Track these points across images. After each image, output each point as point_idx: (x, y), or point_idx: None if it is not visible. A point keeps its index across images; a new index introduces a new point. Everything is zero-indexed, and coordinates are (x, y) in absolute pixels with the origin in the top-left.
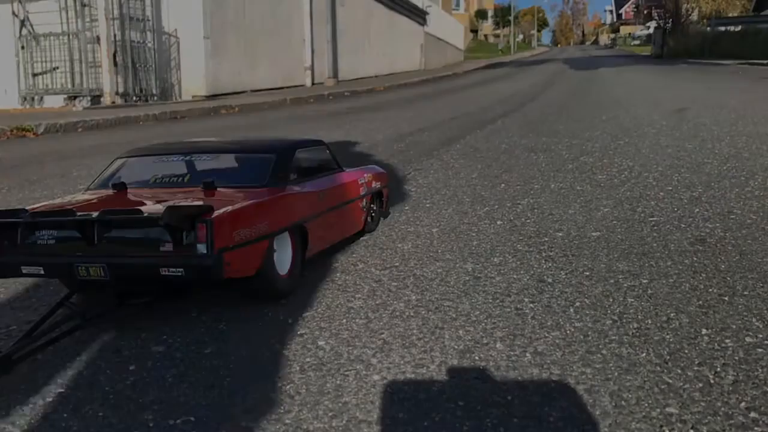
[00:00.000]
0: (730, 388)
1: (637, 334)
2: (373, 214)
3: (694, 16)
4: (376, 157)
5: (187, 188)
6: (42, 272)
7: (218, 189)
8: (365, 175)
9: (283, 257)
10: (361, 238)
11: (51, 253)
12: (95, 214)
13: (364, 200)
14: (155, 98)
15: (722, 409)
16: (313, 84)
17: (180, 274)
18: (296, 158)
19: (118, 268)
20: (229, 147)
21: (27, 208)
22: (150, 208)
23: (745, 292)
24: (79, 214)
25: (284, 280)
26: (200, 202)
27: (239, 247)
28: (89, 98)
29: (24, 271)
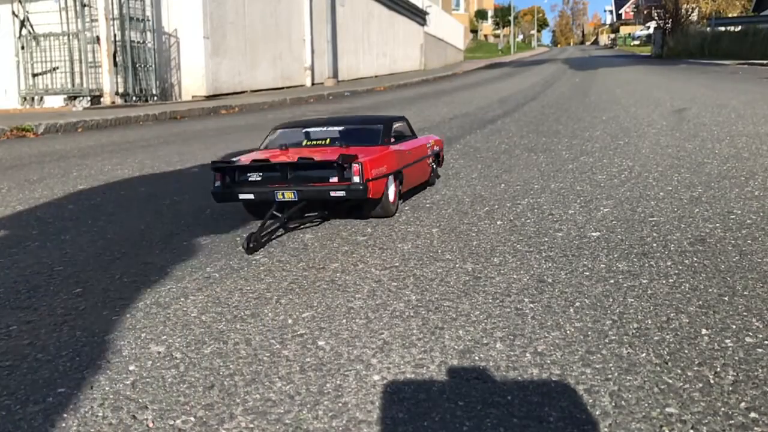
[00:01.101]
0: (730, 388)
1: (637, 334)
2: (434, 168)
3: (694, 16)
4: None
5: (330, 147)
6: (252, 197)
7: (350, 147)
8: (430, 140)
9: (391, 190)
10: (361, 238)
11: (258, 185)
12: (289, 160)
13: (430, 158)
14: (155, 98)
15: (722, 409)
16: (313, 84)
17: (342, 194)
18: (393, 128)
19: (303, 193)
20: (351, 120)
21: (239, 158)
22: (319, 156)
23: (745, 292)
24: (274, 162)
25: (392, 204)
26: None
27: (374, 180)
28: (89, 98)
29: (240, 197)
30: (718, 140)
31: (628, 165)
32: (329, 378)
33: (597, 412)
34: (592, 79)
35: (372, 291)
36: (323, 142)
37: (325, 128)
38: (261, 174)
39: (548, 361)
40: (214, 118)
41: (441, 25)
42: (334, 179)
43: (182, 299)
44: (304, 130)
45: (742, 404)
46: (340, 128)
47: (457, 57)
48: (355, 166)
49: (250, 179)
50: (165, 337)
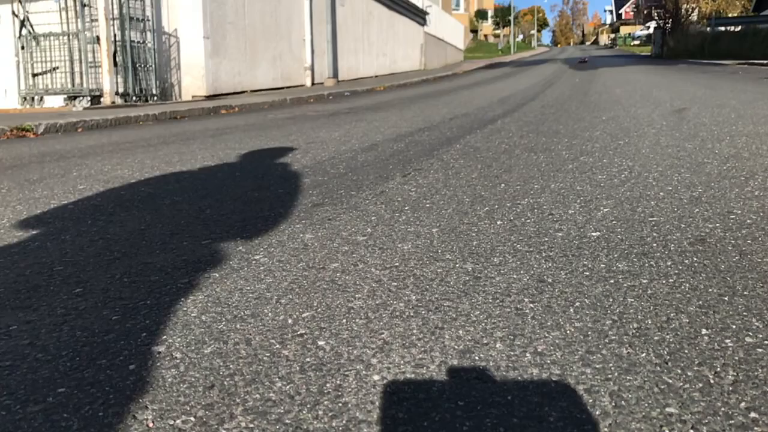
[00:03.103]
0: (730, 388)
1: (637, 334)
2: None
3: (694, 16)
4: (376, 157)
5: (581, 57)
6: (578, 63)
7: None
8: (586, 59)
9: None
10: (361, 238)
11: (579, 63)
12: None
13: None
14: (155, 98)
15: (722, 409)
16: (313, 84)
17: (585, 60)
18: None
19: (584, 62)
20: (582, 58)
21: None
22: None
23: (745, 292)
24: (581, 60)
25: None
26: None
27: (588, 61)
28: (89, 98)
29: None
30: (718, 140)
31: (628, 165)
32: (329, 378)
33: (597, 412)
34: (592, 79)
35: (372, 291)
36: (583, 58)
37: (582, 57)
38: (578, 60)
39: (548, 361)
40: (214, 118)
41: (441, 25)
42: (583, 61)
43: (182, 299)
44: (581, 58)
45: (742, 404)
46: (585, 56)
47: (457, 57)
48: (588, 60)
49: (578, 63)
50: (165, 337)
